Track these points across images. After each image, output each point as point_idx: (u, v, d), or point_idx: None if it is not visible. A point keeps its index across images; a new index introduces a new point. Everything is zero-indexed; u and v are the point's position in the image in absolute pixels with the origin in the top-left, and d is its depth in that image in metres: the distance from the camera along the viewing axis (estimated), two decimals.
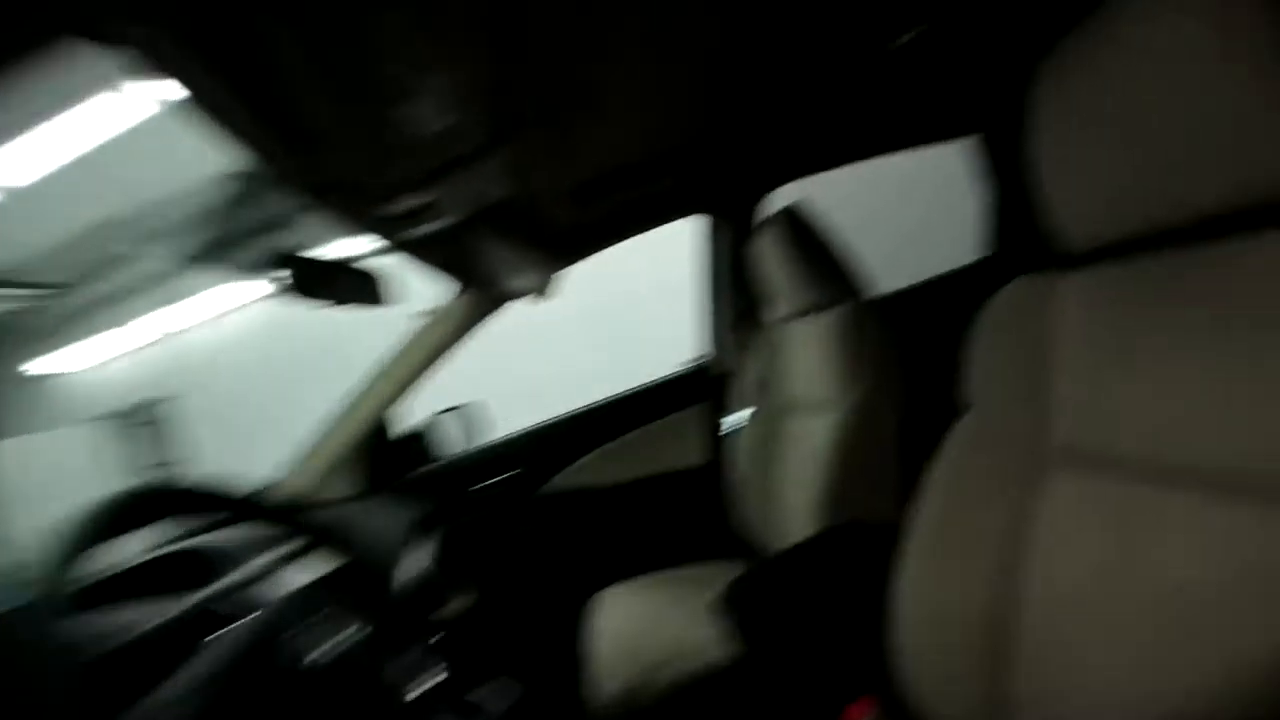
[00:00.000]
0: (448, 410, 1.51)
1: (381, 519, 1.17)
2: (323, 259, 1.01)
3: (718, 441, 1.56)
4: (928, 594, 0.64)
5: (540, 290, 1.30)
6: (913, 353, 1.16)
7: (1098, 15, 0.51)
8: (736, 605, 0.86)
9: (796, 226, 1.19)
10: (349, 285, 1.07)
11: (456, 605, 1.28)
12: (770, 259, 1.23)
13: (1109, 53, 0.50)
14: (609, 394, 1.66)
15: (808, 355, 1.21)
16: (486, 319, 1.39)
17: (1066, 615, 0.53)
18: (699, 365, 1.67)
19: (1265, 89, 0.42)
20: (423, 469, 1.47)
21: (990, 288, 0.68)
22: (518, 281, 1.25)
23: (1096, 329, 0.57)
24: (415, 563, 1.05)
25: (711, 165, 1.33)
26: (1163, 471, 0.48)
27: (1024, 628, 0.56)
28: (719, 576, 0.93)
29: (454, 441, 1.49)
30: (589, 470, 1.56)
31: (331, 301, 1.00)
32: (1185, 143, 0.46)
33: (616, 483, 1.55)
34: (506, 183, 0.89)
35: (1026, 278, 0.66)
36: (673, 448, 1.59)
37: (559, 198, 1.11)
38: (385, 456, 1.40)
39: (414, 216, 0.88)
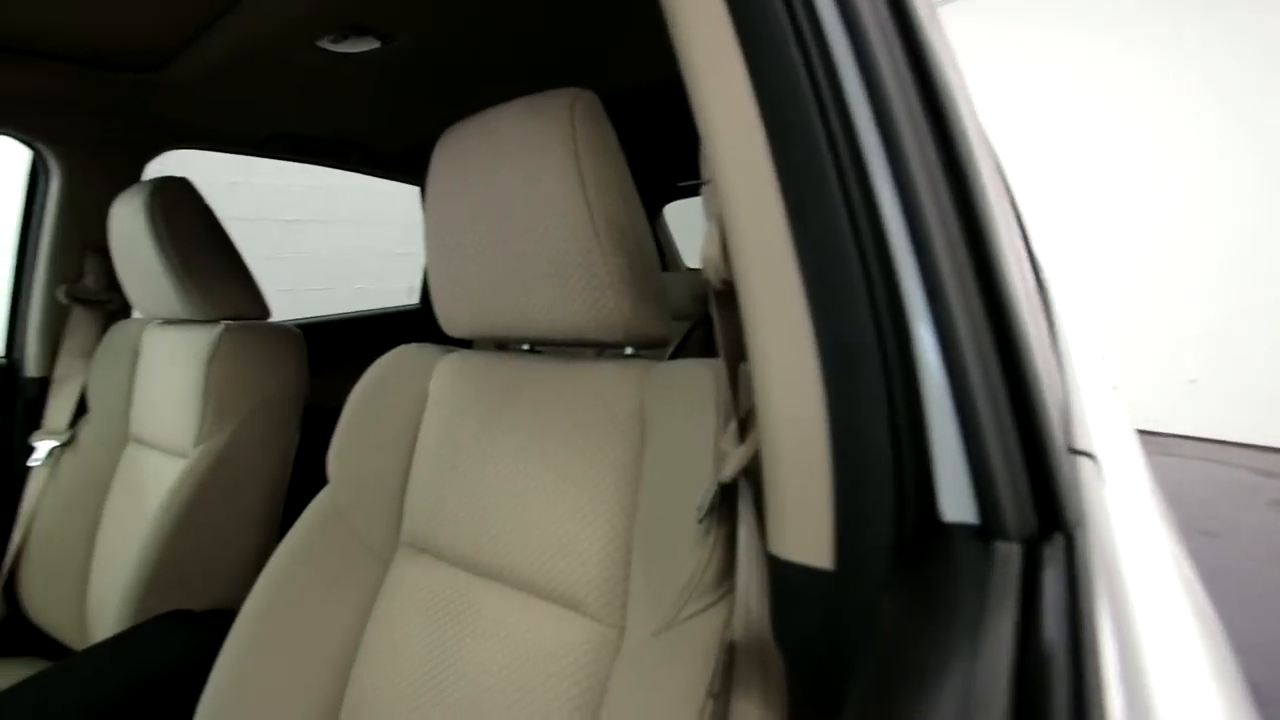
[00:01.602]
0: None
1: None
2: None
3: (8, 475, 1.08)
4: (256, 690, 0.54)
5: None
6: (318, 395, 0.97)
7: (489, 111, 0.51)
8: None
9: (188, 207, 0.93)
10: None
11: None
12: (145, 235, 0.88)
13: (484, 153, 0.49)
14: None
15: (166, 378, 0.94)
16: None
17: (401, 713, 0.50)
18: None
19: (590, 235, 0.44)
20: None
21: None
22: None
23: (453, 420, 0.56)
24: None
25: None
26: (477, 571, 0.51)
27: None
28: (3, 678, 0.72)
29: None
30: None
31: None
32: (530, 271, 0.48)
33: None
34: None
35: (412, 347, 0.62)
36: None
37: None
38: None
39: None
